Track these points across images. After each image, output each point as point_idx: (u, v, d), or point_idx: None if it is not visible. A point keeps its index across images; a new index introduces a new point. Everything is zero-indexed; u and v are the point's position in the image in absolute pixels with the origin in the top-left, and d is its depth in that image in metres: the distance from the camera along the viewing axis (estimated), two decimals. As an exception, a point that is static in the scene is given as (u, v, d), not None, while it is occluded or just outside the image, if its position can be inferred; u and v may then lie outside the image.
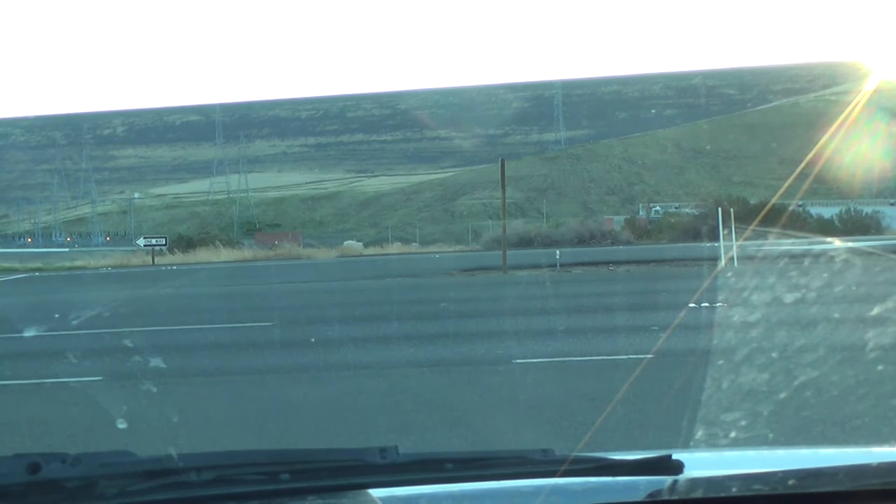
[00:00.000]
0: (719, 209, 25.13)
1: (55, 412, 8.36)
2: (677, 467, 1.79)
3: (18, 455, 1.56)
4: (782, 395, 6.18)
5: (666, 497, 1.76)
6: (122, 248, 66.68)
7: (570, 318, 13.93)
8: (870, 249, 24.58)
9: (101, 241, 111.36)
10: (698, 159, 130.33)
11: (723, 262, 21.53)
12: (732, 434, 4.94)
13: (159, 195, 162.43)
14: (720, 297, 13.70)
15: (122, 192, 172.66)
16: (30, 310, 19.28)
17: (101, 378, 9.71)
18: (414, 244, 70.48)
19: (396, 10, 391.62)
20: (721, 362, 7.18)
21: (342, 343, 12.07)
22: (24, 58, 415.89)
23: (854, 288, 14.29)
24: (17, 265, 41.76)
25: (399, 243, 70.24)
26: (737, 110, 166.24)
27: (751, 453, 3.08)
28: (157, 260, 42.29)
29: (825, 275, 16.66)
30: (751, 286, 13.93)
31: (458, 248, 52.42)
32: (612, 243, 43.28)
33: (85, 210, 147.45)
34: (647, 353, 9.95)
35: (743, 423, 5.19)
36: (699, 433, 5.07)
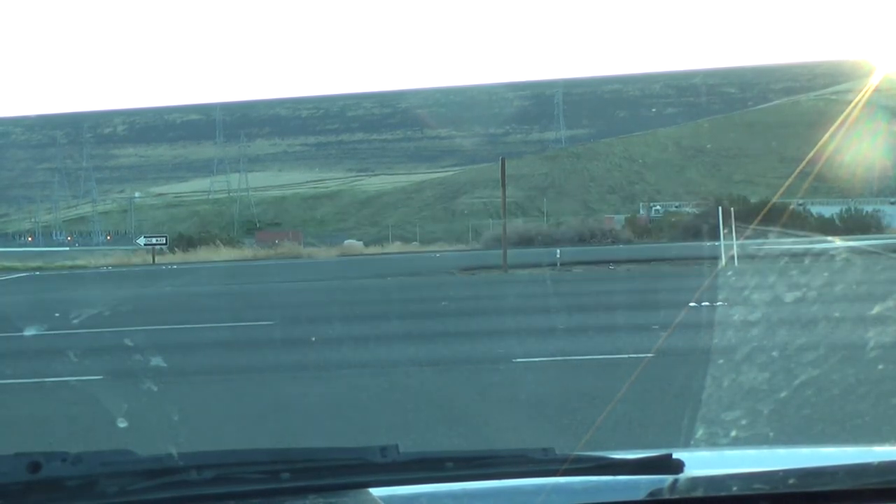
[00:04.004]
0: (720, 208, 25.14)
1: (56, 411, 8.36)
2: (678, 466, 1.79)
3: (19, 454, 1.56)
4: (783, 394, 6.18)
5: (667, 496, 1.76)
6: (122, 247, 66.66)
7: (570, 316, 13.93)
8: (870, 248, 24.58)
9: (101, 240, 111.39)
10: (699, 158, 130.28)
11: (723, 261, 21.52)
12: (733, 433, 4.94)
13: (160, 194, 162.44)
14: (721, 296, 13.69)
15: (122, 191, 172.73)
16: (30, 309, 19.28)
17: (101, 377, 9.72)
18: (414, 243, 70.42)
19: (396, 9, 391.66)
20: (721, 361, 7.18)
21: (343, 342, 12.08)
22: (24, 57, 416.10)
23: (854, 287, 14.29)
24: (17, 264, 41.73)
25: (399, 242, 70.21)
26: (737, 109, 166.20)
27: (751, 452, 3.08)
28: (157, 259, 42.29)
29: (826, 274, 16.66)
30: (751, 285, 13.92)
31: (459, 246, 52.38)
32: (613, 242, 43.26)
33: (85, 209, 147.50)
34: (648, 352, 9.95)
35: (743, 421, 5.19)
36: (700, 432, 5.08)
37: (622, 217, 73.81)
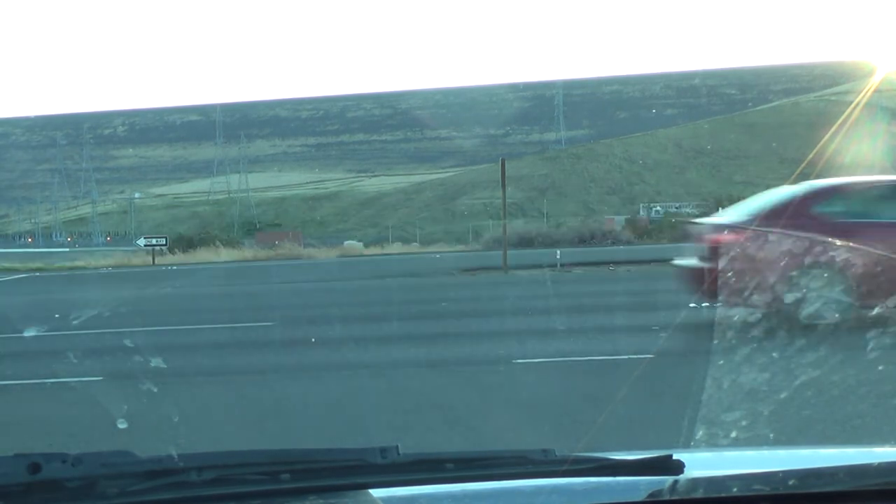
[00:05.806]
0: (720, 209, 25.11)
1: (55, 412, 8.36)
2: (678, 467, 1.79)
3: (19, 455, 1.56)
4: (783, 395, 6.18)
5: (667, 497, 1.76)
6: (122, 248, 66.60)
7: (570, 317, 13.92)
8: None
9: (101, 241, 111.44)
10: (699, 159, 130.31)
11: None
12: (733, 434, 4.94)
13: (160, 195, 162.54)
14: (720, 297, 13.67)
15: (122, 192, 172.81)
16: (30, 309, 19.27)
17: (101, 378, 9.71)
18: (414, 244, 70.40)
19: (396, 9, 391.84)
20: (721, 362, 7.17)
21: (343, 343, 12.07)
22: (24, 58, 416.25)
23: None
24: (17, 265, 41.73)
25: (399, 243, 70.18)
26: (737, 110, 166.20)
27: (751, 453, 3.08)
28: (157, 260, 42.25)
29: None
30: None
31: (459, 247, 52.31)
32: (613, 243, 43.19)
33: (85, 210, 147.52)
34: (648, 353, 9.95)
35: (743, 422, 5.19)
36: (700, 433, 5.07)
37: (622, 218, 73.84)
